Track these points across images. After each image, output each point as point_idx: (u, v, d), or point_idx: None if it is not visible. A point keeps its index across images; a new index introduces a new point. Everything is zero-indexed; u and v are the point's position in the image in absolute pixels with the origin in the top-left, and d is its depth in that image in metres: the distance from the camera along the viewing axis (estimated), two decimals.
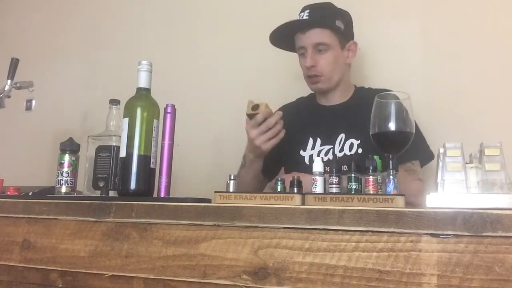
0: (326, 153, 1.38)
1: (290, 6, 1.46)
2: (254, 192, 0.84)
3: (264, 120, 1.23)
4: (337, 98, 1.46)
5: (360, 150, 1.33)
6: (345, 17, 1.43)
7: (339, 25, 1.40)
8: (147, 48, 2.05)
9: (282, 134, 1.26)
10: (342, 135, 1.38)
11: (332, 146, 1.38)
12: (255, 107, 1.23)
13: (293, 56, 1.46)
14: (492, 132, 1.45)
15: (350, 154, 1.34)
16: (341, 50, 1.42)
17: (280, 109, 1.37)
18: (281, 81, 1.47)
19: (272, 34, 1.43)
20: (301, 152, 1.43)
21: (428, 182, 1.29)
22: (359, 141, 1.35)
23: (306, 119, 1.48)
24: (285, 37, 1.44)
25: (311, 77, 1.41)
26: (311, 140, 1.43)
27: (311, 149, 1.42)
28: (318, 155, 1.38)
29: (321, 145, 1.41)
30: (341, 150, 1.37)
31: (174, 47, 2.01)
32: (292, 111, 1.46)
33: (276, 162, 1.45)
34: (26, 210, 0.96)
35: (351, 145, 1.36)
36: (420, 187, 1.28)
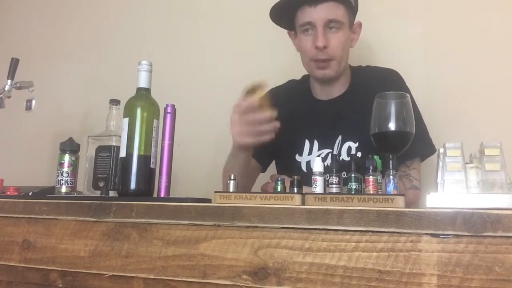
0: (325, 158, 1.26)
1: None
2: (254, 192, 0.84)
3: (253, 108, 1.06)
4: (336, 89, 1.32)
5: (358, 154, 1.23)
6: None
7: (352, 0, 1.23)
8: (147, 48, 2.05)
9: (267, 137, 1.08)
10: (340, 137, 1.27)
11: (330, 151, 1.28)
12: (252, 90, 1.08)
13: (297, 56, 1.34)
14: (492, 132, 1.45)
15: (348, 160, 1.20)
16: (349, 31, 1.26)
17: (269, 93, 1.13)
18: (282, 81, 1.47)
19: (275, 6, 1.24)
20: (297, 157, 1.31)
21: (428, 182, 1.28)
22: (357, 144, 1.25)
23: (301, 118, 1.33)
24: (289, 11, 1.24)
25: (319, 61, 1.23)
26: (307, 143, 1.31)
27: (308, 154, 1.30)
28: None
29: (318, 149, 1.29)
30: (339, 154, 1.25)
31: (174, 47, 2.01)
32: (284, 104, 1.23)
33: (268, 151, 1.31)
34: (26, 210, 0.96)
35: (349, 149, 1.26)
36: (415, 196, 1.20)
